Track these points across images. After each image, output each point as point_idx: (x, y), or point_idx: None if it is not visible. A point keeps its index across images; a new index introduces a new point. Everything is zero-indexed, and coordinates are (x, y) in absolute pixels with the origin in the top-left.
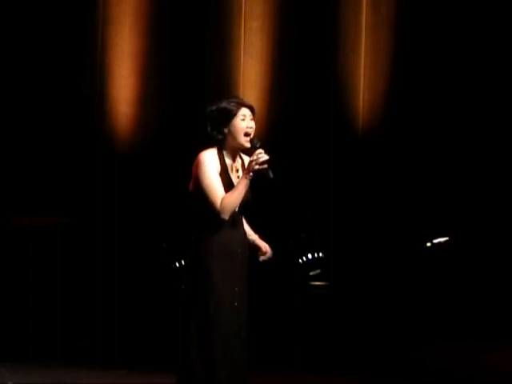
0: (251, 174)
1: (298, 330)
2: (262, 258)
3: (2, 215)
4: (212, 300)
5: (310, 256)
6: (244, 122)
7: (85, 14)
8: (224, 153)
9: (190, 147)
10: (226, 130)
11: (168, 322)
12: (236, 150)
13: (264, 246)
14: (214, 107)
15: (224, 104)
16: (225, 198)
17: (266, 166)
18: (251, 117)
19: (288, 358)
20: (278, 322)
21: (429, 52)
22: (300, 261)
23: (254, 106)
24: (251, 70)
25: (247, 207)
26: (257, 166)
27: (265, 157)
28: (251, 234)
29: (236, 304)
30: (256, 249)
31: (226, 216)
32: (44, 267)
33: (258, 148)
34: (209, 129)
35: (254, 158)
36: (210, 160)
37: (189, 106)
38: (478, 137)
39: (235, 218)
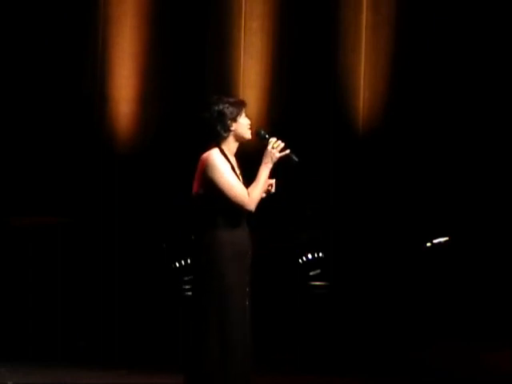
0: (274, 162)
1: (298, 330)
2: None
3: (2, 215)
4: (228, 301)
5: (310, 256)
6: (246, 118)
7: (85, 13)
8: (225, 152)
9: (190, 147)
10: (233, 127)
11: (168, 322)
12: (234, 148)
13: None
14: (221, 106)
15: (228, 103)
16: (252, 191)
17: (288, 151)
18: None
19: (288, 358)
20: (278, 322)
21: (429, 52)
22: (300, 261)
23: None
24: (251, 70)
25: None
26: (278, 154)
27: (282, 143)
28: None
29: (247, 303)
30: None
31: (253, 208)
32: (44, 267)
33: (269, 137)
34: (218, 126)
35: (274, 145)
36: (220, 160)
37: (189, 106)
38: (478, 137)
39: (243, 217)
